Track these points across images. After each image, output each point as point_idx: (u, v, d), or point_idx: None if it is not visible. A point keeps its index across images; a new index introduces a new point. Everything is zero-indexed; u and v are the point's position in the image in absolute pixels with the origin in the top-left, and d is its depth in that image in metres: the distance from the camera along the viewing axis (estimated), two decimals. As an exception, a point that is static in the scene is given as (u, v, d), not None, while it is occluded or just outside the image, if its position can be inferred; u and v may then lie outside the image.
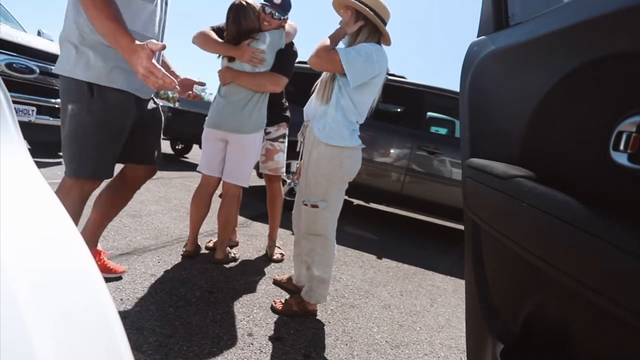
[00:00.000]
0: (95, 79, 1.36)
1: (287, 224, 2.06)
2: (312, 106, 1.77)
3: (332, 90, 1.67)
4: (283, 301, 1.81)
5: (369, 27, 1.65)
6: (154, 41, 1.18)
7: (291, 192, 3.80)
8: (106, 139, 1.43)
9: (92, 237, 1.69)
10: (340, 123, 1.64)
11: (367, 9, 1.59)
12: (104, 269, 1.73)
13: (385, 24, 1.65)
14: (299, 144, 1.84)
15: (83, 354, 0.31)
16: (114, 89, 1.39)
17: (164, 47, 1.21)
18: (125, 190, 1.70)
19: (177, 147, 7.08)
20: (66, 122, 1.40)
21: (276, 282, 2.08)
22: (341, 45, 1.71)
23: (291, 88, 2.52)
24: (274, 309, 1.77)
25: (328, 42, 1.65)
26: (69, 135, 1.40)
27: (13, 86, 3.46)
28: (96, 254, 1.71)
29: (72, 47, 1.34)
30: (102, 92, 1.37)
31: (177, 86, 1.29)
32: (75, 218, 1.45)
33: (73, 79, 1.35)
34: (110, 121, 1.42)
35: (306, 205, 1.70)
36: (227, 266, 2.20)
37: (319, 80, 1.78)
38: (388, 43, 1.72)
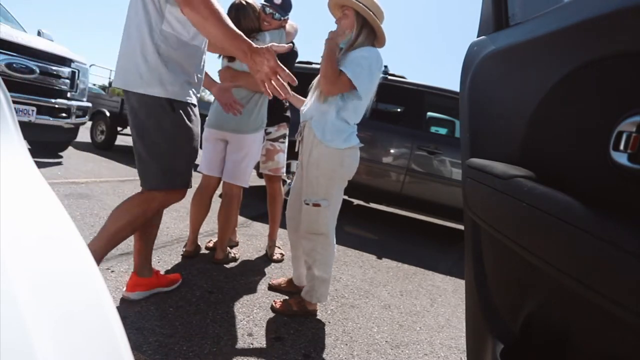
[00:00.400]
0: (173, 95, 1.41)
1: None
2: (310, 106, 1.76)
3: None
4: (282, 301, 1.81)
5: (367, 30, 1.65)
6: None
7: (291, 192, 3.80)
8: (194, 150, 1.52)
9: (146, 263, 1.67)
10: (340, 127, 1.65)
11: (366, 9, 1.59)
12: (166, 283, 1.76)
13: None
14: (297, 143, 1.84)
15: (83, 354, 0.31)
16: (189, 103, 1.47)
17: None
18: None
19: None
20: (149, 136, 1.42)
21: (272, 287, 2.02)
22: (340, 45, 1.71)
23: (291, 88, 2.52)
24: (273, 309, 1.77)
25: (332, 61, 1.59)
26: (158, 150, 1.44)
27: (13, 86, 3.46)
28: (155, 274, 1.72)
29: (143, 61, 1.36)
30: (182, 106, 1.44)
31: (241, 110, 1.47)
32: (139, 227, 1.53)
33: (149, 95, 1.38)
34: (195, 132, 1.51)
35: (307, 204, 1.70)
36: (227, 266, 2.20)
37: (315, 80, 1.78)
38: (382, 45, 1.71)
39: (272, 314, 1.74)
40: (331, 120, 1.65)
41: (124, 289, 1.63)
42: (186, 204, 3.18)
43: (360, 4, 1.58)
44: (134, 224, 1.48)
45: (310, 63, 4.17)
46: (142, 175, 1.47)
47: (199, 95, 1.56)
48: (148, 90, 1.37)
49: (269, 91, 1.21)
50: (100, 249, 1.44)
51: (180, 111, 1.43)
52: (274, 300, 1.82)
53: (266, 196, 2.47)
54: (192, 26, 1.36)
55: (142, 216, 1.48)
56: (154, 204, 1.49)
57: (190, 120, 1.47)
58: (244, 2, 1.99)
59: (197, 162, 1.67)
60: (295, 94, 2.06)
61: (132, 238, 2.19)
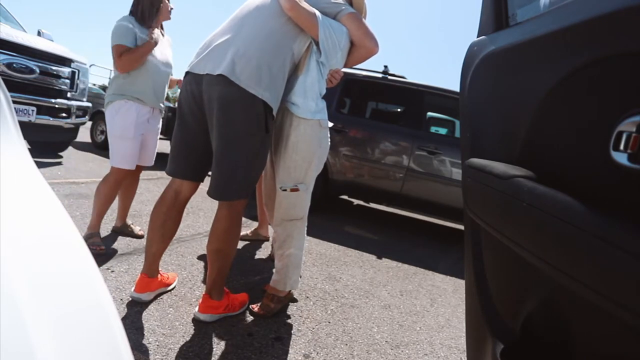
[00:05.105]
0: (275, 106, 1.50)
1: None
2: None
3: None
4: (259, 305, 1.73)
5: None
6: None
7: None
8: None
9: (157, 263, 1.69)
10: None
11: None
12: (168, 282, 1.77)
13: None
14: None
15: (83, 354, 0.31)
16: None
17: None
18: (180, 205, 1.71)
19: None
20: (250, 146, 1.45)
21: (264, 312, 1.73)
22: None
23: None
24: (256, 315, 1.69)
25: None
26: (249, 160, 1.47)
27: (13, 86, 3.46)
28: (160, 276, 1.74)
29: (274, 72, 1.45)
30: (271, 117, 1.51)
31: None
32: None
33: (263, 105, 1.43)
34: None
35: (285, 190, 1.64)
36: (227, 266, 2.19)
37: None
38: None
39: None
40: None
41: (133, 288, 1.62)
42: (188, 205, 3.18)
43: None
44: (236, 242, 1.60)
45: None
46: (227, 187, 1.47)
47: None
48: (267, 99, 1.43)
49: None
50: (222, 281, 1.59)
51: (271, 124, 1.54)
52: (251, 306, 1.73)
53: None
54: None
55: (240, 225, 1.57)
56: (241, 213, 1.56)
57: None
58: None
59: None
60: None
61: (134, 240, 2.17)
